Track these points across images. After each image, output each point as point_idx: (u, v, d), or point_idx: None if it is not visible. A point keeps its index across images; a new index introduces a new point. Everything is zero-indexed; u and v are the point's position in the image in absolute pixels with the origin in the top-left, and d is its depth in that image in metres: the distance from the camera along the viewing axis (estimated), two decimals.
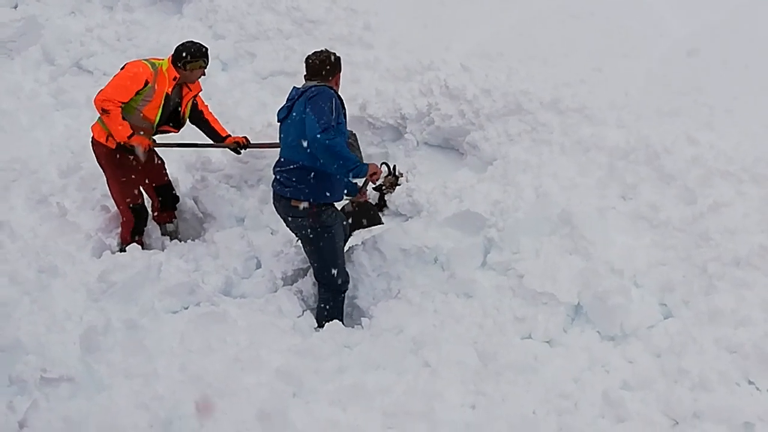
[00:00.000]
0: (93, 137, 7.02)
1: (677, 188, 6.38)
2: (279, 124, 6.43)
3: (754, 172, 6.22)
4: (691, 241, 6.05)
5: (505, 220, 6.53)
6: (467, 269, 6.49)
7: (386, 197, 7.29)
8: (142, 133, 6.82)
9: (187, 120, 7.26)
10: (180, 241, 7.42)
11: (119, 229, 7.29)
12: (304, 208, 6.18)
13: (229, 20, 9.71)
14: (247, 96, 8.88)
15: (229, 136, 7.35)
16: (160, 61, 6.95)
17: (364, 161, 6.98)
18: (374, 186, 7.06)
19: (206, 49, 7.02)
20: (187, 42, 7.01)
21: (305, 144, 5.99)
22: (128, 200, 7.14)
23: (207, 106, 7.44)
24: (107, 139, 6.88)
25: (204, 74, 7.09)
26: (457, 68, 7.80)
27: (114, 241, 7.22)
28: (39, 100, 9.49)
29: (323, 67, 6.29)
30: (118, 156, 6.94)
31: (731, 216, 6.00)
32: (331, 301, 6.47)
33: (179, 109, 7.11)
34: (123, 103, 6.68)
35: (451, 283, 6.48)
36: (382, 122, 7.92)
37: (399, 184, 7.24)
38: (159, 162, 7.36)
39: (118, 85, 6.73)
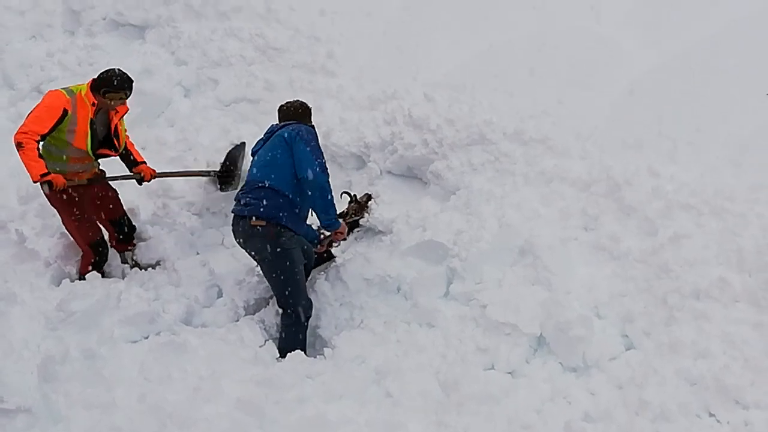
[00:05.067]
0: None
1: (638, 220, 6.45)
2: (252, 156, 6.58)
3: (713, 204, 6.29)
4: (651, 273, 6.11)
5: (468, 250, 6.54)
6: (430, 299, 6.49)
7: (359, 220, 7.30)
8: (57, 169, 6.61)
9: (124, 142, 7.10)
10: (140, 269, 7.32)
11: (79, 257, 7.17)
12: (262, 226, 6.21)
13: (191, 46, 9.64)
14: (209, 122, 8.81)
15: (144, 162, 7.27)
16: (79, 87, 6.75)
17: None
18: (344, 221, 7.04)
19: (131, 80, 6.83)
20: (111, 70, 6.82)
21: (279, 171, 6.22)
22: (86, 238, 7.01)
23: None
24: None
25: (125, 103, 6.89)
26: (420, 98, 7.84)
27: (73, 269, 7.12)
28: None
29: (297, 113, 6.66)
30: (65, 196, 6.70)
31: (691, 248, 6.07)
32: (294, 329, 6.41)
33: (110, 132, 6.92)
34: (42, 135, 6.46)
35: (413, 313, 6.47)
36: (346, 151, 7.94)
37: (367, 208, 7.25)
38: (112, 194, 7.22)
39: (35, 117, 6.51)
